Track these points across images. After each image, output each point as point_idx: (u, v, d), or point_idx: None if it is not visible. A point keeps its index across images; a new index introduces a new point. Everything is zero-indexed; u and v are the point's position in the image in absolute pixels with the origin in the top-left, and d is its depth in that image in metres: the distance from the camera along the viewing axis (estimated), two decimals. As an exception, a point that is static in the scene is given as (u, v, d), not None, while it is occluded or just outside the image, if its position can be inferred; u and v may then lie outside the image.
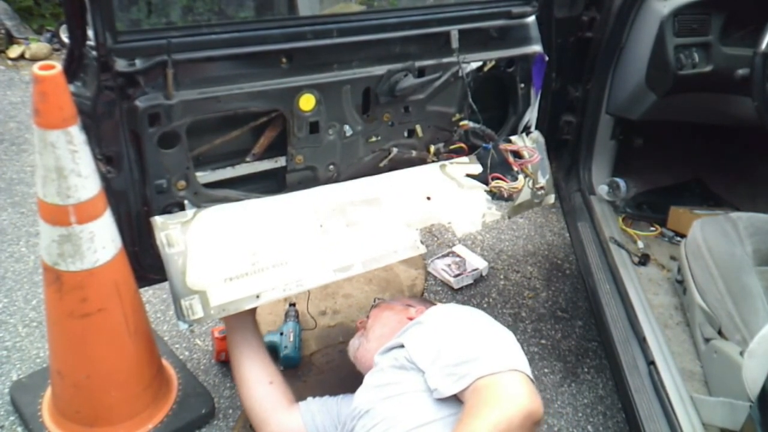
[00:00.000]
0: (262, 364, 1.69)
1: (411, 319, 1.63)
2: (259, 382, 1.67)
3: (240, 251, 1.55)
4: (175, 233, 1.49)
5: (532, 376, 1.28)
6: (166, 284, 1.56)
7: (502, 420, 1.14)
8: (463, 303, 2.44)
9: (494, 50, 1.91)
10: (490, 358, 1.27)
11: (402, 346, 1.46)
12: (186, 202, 1.55)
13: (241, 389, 1.69)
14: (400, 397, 1.37)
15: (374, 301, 1.93)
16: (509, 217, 1.98)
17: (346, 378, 1.86)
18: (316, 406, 1.66)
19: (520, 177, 1.99)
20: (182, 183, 1.53)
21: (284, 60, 1.56)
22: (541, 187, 2.07)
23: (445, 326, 1.47)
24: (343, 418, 1.57)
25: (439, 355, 1.35)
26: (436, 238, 2.84)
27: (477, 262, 2.62)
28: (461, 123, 1.93)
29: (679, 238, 2.26)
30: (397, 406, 1.36)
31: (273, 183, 1.72)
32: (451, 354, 1.33)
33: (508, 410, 1.16)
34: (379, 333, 1.66)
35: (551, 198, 2.14)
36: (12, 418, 1.82)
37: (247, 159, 1.66)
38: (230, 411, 1.92)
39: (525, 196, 2.04)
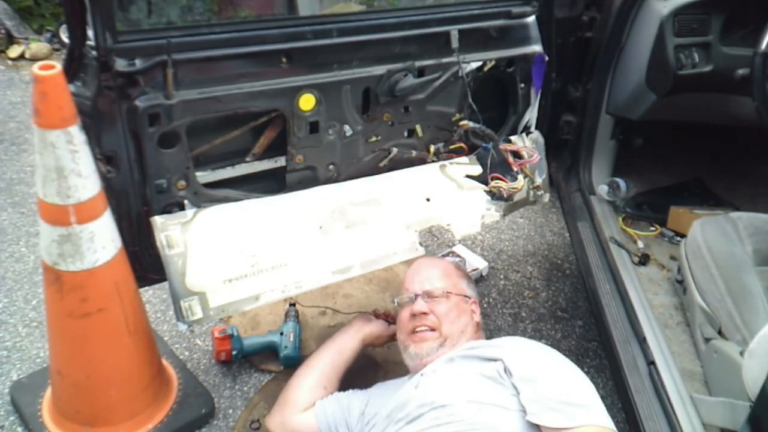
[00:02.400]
0: (334, 372, 1.79)
1: (477, 323, 1.73)
2: (317, 381, 1.76)
3: (239, 252, 1.55)
4: (175, 234, 1.49)
5: None
6: (166, 284, 1.56)
7: None
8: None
9: (494, 50, 1.91)
10: (597, 410, 1.34)
11: (496, 359, 1.47)
12: (186, 202, 1.55)
13: (300, 372, 1.79)
14: (485, 405, 1.39)
15: (438, 290, 1.72)
16: (504, 215, 1.98)
17: (346, 378, 1.86)
18: (328, 400, 1.71)
19: (520, 177, 1.99)
20: (182, 183, 1.53)
21: (284, 60, 1.56)
22: (537, 186, 2.08)
23: (546, 357, 1.50)
24: (355, 412, 1.64)
25: (540, 383, 1.37)
26: (436, 238, 2.84)
27: (477, 262, 2.61)
28: (461, 123, 1.93)
29: (679, 238, 2.26)
30: (480, 414, 1.37)
31: (273, 183, 1.72)
32: (558, 389, 1.36)
33: None
34: (458, 334, 1.66)
35: (546, 196, 2.15)
36: (12, 418, 1.82)
37: (247, 159, 1.66)
38: (230, 411, 1.93)
39: (521, 194, 2.04)
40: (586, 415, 1.31)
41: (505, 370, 1.43)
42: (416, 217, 1.80)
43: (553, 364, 1.48)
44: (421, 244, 1.76)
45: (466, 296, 1.75)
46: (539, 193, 2.09)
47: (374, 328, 1.88)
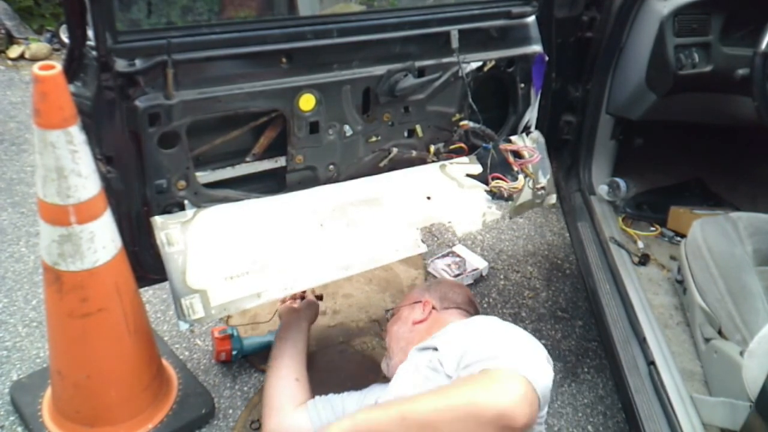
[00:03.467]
0: (298, 363, 1.81)
1: (417, 322, 1.72)
2: (288, 377, 1.76)
3: (240, 251, 1.55)
4: (175, 233, 1.49)
5: (542, 393, 1.20)
6: (166, 284, 1.56)
7: (478, 403, 1.11)
8: (463, 303, 2.44)
9: (494, 50, 1.91)
10: (507, 358, 1.22)
11: (436, 349, 1.46)
12: (186, 202, 1.55)
13: (270, 377, 1.78)
14: None
15: (386, 313, 1.94)
16: (511, 218, 1.99)
17: (346, 378, 1.86)
18: (321, 403, 1.70)
19: (520, 177, 1.99)
20: (182, 183, 1.53)
21: (284, 60, 1.56)
22: (542, 187, 2.07)
23: (475, 332, 1.46)
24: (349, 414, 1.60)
25: (464, 358, 1.34)
26: (436, 238, 2.84)
27: (477, 262, 2.62)
28: (461, 123, 1.93)
29: (679, 238, 2.26)
30: None
31: (273, 183, 1.72)
32: (474, 353, 1.31)
33: (488, 399, 1.12)
34: (398, 349, 1.71)
35: (552, 198, 2.14)
36: (12, 418, 1.82)
37: (247, 159, 1.66)
38: (230, 411, 1.93)
39: (526, 196, 2.04)
40: (492, 363, 1.20)
41: (439, 362, 1.41)
42: (417, 215, 1.80)
43: (481, 334, 1.41)
44: (423, 241, 1.76)
45: (415, 302, 1.80)
46: (545, 193, 2.09)
47: (310, 310, 2.01)
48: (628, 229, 2.32)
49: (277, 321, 2.22)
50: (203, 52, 1.45)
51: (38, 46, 4.41)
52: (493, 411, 1.10)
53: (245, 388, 2.01)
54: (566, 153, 2.39)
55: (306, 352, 1.87)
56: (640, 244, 2.26)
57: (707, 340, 1.74)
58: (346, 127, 1.73)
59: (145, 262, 1.61)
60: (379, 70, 1.71)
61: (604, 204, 2.35)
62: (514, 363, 1.20)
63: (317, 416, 1.66)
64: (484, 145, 1.96)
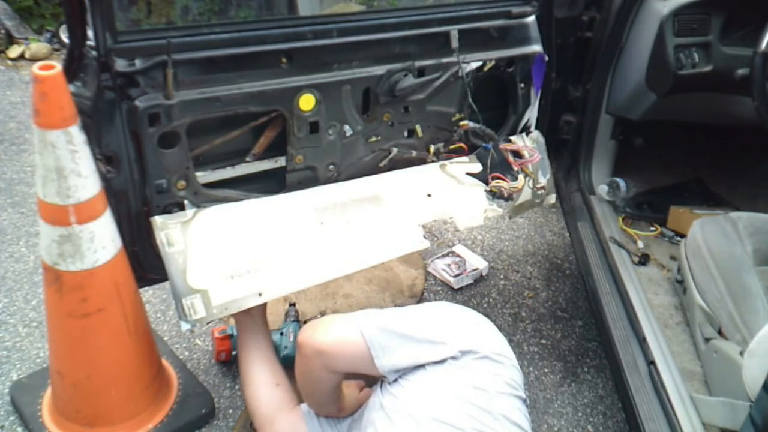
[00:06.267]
0: (271, 366, 1.69)
1: None
2: (266, 384, 1.66)
3: (241, 250, 1.56)
4: (175, 233, 1.50)
5: (370, 334, 1.35)
6: (166, 284, 1.56)
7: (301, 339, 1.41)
8: (463, 303, 2.44)
9: (494, 50, 1.91)
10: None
11: None
12: (186, 202, 1.55)
13: (247, 389, 1.67)
14: None
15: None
16: (510, 217, 1.99)
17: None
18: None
19: (520, 177, 1.99)
20: (182, 183, 1.53)
21: (284, 60, 1.57)
22: (542, 187, 2.07)
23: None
24: (346, 422, 1.59)
25: None
26: (436, 238, 2.84)
27: (477, 262, 2.62)
28: (461, 123, 1.93)
29: (679, 238, 2.26)
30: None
31: (273, 183, 1.73)
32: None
33: (306, 337, 1.40)
34: None
35: (552, 198, 2.14)
36: (12, 418, 1.82)
37: (247, 159, 1.66)
38: (230, 411, 1.93)
39: (526, 196, 2.04)
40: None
41: None
42: (418, 211, 1.80)
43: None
44: (425, 237, 1.76)
45: None
46: (544, 193, 2.09)
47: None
48: (628, 229, 2.32)
49: (277, 321, 2.22)
50: (203, 52, 1.45)
51: (38, 46, 4.41)
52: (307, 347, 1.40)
53: (245, 388, 2.01)
54: (566, 153, 2.39)
55: (273, 349, 1.73)
56: (640, 244, 2.26)
57: (707, 340, 1.74)
58: (346, 127, 1.73)
59: (145, 262, 1.61)
60: (379, 70, 1.71)
61: (604, 204, 2.35)
62: (364, 317, 1.41)
63: (311, 420, 1.60)
64: (484, 144, 1.96)
